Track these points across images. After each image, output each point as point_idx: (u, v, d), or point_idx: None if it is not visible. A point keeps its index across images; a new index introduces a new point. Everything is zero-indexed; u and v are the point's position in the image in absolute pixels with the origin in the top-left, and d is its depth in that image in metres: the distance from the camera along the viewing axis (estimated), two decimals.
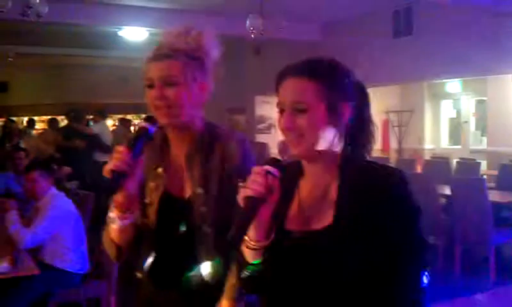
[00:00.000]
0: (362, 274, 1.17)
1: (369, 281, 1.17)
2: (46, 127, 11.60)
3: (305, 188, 1.32)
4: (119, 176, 1.44)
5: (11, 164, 5.68)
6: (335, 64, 1.37)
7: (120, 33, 8.62)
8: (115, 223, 1.54)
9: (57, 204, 3.76)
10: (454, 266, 5.50)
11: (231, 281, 1.59)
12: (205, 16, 7.95)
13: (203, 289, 1.62)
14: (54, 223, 3.69)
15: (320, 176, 1.29)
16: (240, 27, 6.73)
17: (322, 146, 1.24)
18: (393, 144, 11.95)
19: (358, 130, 1.32)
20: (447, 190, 6.19)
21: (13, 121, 11.25)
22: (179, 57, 1.54)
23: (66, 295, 3.80)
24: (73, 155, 7.64)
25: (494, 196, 5.81)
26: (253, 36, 6.86)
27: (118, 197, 1.50)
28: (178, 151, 1.65)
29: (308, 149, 1.25)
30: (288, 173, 1.30)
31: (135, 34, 8.71)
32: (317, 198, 1.28)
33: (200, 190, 1.60)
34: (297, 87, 1.29)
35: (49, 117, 12.12)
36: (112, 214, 1.54)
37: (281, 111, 1.28)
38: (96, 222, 4.32)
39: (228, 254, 1.61)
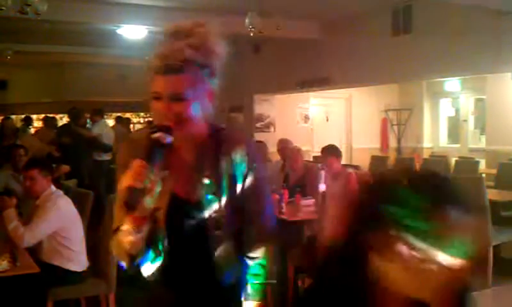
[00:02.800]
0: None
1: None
2: (42, 125, 11.60)
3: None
4: (138, 193, 1.37)
5: (10, 161, 5.67)
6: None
7: (119, 31, 8.60)
8: (130, 236, 1.47)
9: (55, 202, 3.76)
10: None
11: (249, 280, 1.62)
12: (204, 14, 7.92)
13: (217, 291, 1.63)
14: (52, 221, 3.69)
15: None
16: (239, 25, 6.71)
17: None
18: (392, 143, 11.96)
19: None
20: None
21: (8, 118, 11.21)
22: (188, 70, 1.45)
23: (65, 293, 3.80)
24: (73, 154, 7.64)
25: (493, 194, 5.82)
26: (252, 34, 6.85)
27: (136, 213, 1.41)
28: (185, 155, 1.62)
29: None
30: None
31: (134, 32, 8.68)
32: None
33: (210, 196, 1.59)
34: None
35: (44, 115, 12.13)
36: (127, 228, 1.46)
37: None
38: (95, 221, 4.34)
39: (243, 257, 1.63)
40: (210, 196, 1.59)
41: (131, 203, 1.37)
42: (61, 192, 3.92)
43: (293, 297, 4.58)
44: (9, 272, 3.19)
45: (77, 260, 3.81)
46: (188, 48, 1.45)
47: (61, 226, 3.73)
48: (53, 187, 3.89)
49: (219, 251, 1.61)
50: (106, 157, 8.85)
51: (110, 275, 3.83)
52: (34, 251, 3.69)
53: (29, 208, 4.02)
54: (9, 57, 10.74)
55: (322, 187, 4.91)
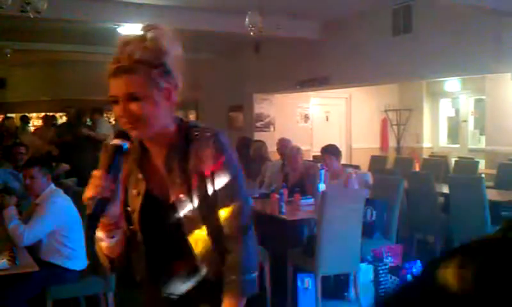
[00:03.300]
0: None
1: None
2: (42, 124, 11.59)
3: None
4: (101, 203, 1.43)
5: (10, 159, 5.67)
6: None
7: (119, 29, 8.59)
8: (104, 241, 1.55)
9: (55, 201, 3.76)
10: None
11: (229, 278, 1.60)
12: (203, 14, 7.94)
13: (201, 289, 1.63)
14: (52, 220, 3.69)
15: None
16: (239, 24, 6.71)
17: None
18: (392, 143, 11.96)
19: None
20: (445, 189, 6.20)
21: (8, 117, 11.21)
22: (139, 69, 1.48)
23: (64, 292, 3.80)
24: (73, 152, 7.63)
25: (492, 195, 5.82)
26: (252, 33, 6.85)
27: (103, 220, 1.50)
28: (157, 156, 1.63)
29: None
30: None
31: (134, 30, 8.67)
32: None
33: (182, 196, 1.59)
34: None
35: (44, 114, 12.12)
36: (99, 234, 1.54)
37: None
38: None
39: (222, 252, 1.63)
40: (182, 196, 1.59)
41: (94, 214, 1.44)
42: (60, 191, 3.92)
43: (292, 297, 4.59)
44: (9, 270, 3.19)
45: (77, 259, 3.81)
46: (138, 50, 1.49)
47: (61, 224, 3.73)
48: (53, 186, 3.89)
49: (201, 252, 1.61)
50: None
51: (109, 274, 3.83)
52: (34, 249, 3.69)
53: (28, 207, 4.02)
54: (8, 56, 10.74)
55: (321, 187, 4.91)
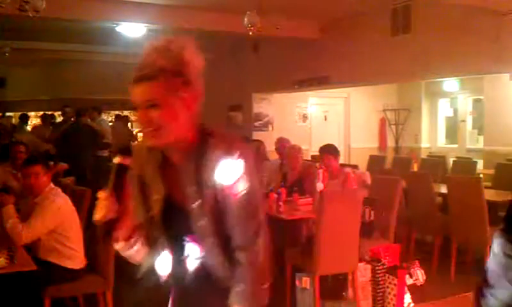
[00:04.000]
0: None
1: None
2: (40, 123, 11.60)
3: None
4: (110, 223, 1.49)
5: (8, 158, 5.67)
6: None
7: (118, 29, 8.58)
8: (125, 251, 1.62)
9: (54, 200, 3.76)
10: (449, 264, 5.52)
11: (238, 288, 1.61)
12: (202, 13, 7.93)
13: (211, 294, 1.67)
14: (50, 219, 3.69)
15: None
16: (238, 24, 6.71)
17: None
18: (390, 143, 11.98)
19: None
20: (443, 189, 6.20)
21: (4, 116, 11.21)
22: (160, 77, 1.51)
23: (62, 291, 3.80)
24: (73, 151, 7.63)
25: (490, 195, 5.83)
26: (251, 33, 6.84)
27: (117, 234, 1.55)
28: (175, 161, 1.65)
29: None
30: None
31: (133, 30, 8.67)
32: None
33: (196, 204, 1.60)
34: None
35: (42, 112, 12.12)
36: (118, 246, 1.60)
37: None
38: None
39: (233, 259, 1.63)
40: (195, 204, 1.60)
41: (106, 235, 1.50)
42: (59, 190, 3.92)
43: (291, 297, 4.59)
44: (7, 269, 3.19)
45: (75, 258, 3.81)
46: (160, 59, 1.52)
47: (59, 223, 3.73)
48: (52, 185, 3.89)
49: (213, 260, 1.64)
50: (105, 152, 8.87)
51: (107, 273, 3.84)
52: (32, 248, 3.69)
53: (27, 206, 4.02)
54: (7, 55, 10.73)
55: (320, 186, 4.91)
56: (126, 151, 1.55)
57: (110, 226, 1.50)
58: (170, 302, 1.83)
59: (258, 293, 1.62)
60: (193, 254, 1.67)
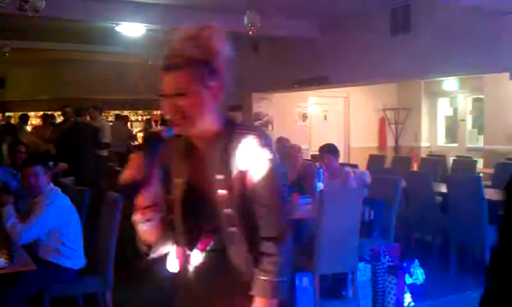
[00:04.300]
0: None
1: None
2: (40, 123, 11.59)
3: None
4: (135, 185, 1.47)
5: (9, 157, 5.67)
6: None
7: (117, 29, 8.59)
8: (140, 225, 1.59)
9: (54, 199, 3.76)
10: (449, 264, 5.52)
11: (263, 278, 1.60)
12: (202, 13, 7.93)
13: (232, 283, 1.64)
14: (50, 219, 3.69)
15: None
16: (238, 24, 6.71)
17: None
18: (390, 142, 11.97)
19: None
20: (443, 188, 6.20)
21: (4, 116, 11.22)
22: (189, 66, 1.53)
23: (62, 291, 3.80)
24: (73, 151, 7.62)
25: (490, 194, 5.82)
26: (251, 33, 6.85)
27: (138, 202, 1.53)
28: (201, 150, 1.66)
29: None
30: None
31: (132, 29, 8.68)
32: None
33: (223, 192, 1.60)
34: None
35: (42, 113, 12.11)
36: (136, 217, 1.57)
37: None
38: (93, 218, 4.34)
39: (256, 251, 1.62)
40: (222, 192, 1.60)
41: (127, 194, 1.47)
42: (58, 190, 3.92)
43: (290, 296, 4.59)
44: (7, 269, 3.18)
45: (75, 258, 3.81)
46: (189, 47, 1.53)
47: (59, 223, 3.73)
48: (51, 184, 3.89)
49: (235, 250, 1.62)
50: (104, 152, 8.86)
51: (107, 273, 3.84)
52: (32, 248, 3.69)
53: (26, 205, 4.02)
54: (7, 55, 10.73)
55: (320, 186, 4.91)
56: (167, 124, 1.56)
57: (133, 189, 1.48)
58: (178, 299, 1.79)
59: (282, 285, 1.61)
60: (212, 245, 1.65)
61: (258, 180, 1.59)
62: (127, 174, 1.47)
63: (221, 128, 1.63)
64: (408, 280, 4.38)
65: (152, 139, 1.54)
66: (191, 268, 1.69)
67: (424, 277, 4.46)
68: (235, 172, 1.59)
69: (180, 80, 1.53)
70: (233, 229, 1.60)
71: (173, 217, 1.67)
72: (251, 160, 1.58)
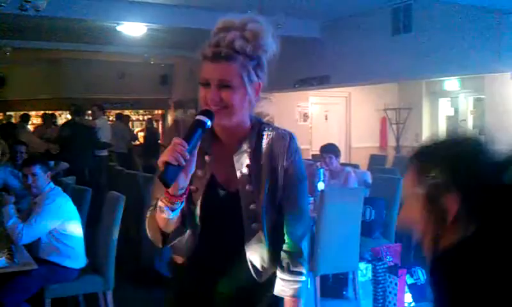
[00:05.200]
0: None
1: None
2: (41, 122, 11.59)
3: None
4: (174, 170, 1.37)
5: (10, 157, 5.67)
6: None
7: (119, 28, 8.59)
8: (164, 213, 1.47)
9: (55, 199, 3.76)
10: None
11: (285, 277, 1.63)
12: (203, 12, 7.93)
13: (250, 285, 1.64)
14: (51, 218, 3.69)
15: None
16: None
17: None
18: (391, 142, 11.96)
19: None
20: None
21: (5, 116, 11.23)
22: (238, 59, 1.51)
23: (63, 290, 3.80)
24: (74, 150, 7.62)
25: None
26: None
27: (170, 190, 1.42)
28: (228, 143, 1.64)
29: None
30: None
31: (134, 29, 8.68)
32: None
33: (249, 188, 1.60)
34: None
35: (43, 112, 12.12)
36: (162, 204, 1.45)
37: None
38: (94, 218, 4.34)
39: (277, 250, 1.64)
40: (248, 188, 1.60)
41: (165, 179, 1.36)
42: (59, 189, 3.92)
43: None
44: (8, 268, 3.19)
45: (76, 257, 3.81)
46: (239, 39, 1.51)
47: (60, 223, 3.73)
48: (52, 184, 3.89)
49: (254, 247, 1.61)
50: (104, 152, 8.86)
51: (108, 273, 3.83)
52: (33, 247, 3.69)
53: (27, 205, 4.02)
54: (8, 54, 10.73)
55: (321, 186, 4.91)
56: (209, 113, 1.48)
57: (172, 173, 1.36)
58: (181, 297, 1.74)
59: (304, 284, 1.66)
60: (230, 242, 1.62)
61: (285, 179, 1.62)
62: (167, 157, 1.36)
63: (251, 126, 1.65)
64: (409, 280, 4.37)
65: (195, 126, 1.45)
66: (204, 263, 1.65)
67: (425, 277, 4.45)
68: (264, 169, 1.61)
69: (229, 71, 1.50)
70: (255, 225, 1.60)
71: (191, 207, 1.60)
72: (281, 158, 1.62)
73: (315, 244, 4.25)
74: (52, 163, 5.66)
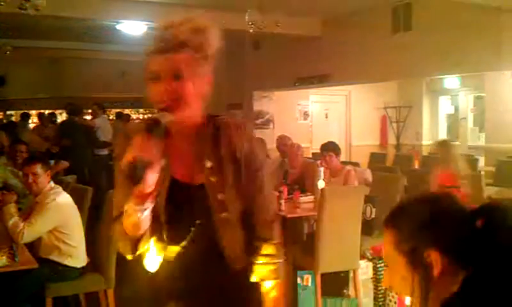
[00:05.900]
0: None
1: None
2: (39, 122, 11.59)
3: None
4: (141, 167, 1.33)
5: (10, 156, 5.67)
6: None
7: (118, 27, 8.59)
8: (134, 216, 1.42)
9: (55, 198, 3.76)
10: None
11: (273, 262, 1.68)
12: (203, 11, 7.93)
13: (227, 275, 1.64)
14: (52, 217, 3.69)
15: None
16: (239, 22, 6.71)
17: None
18: (391, 140, 11.97)
19: None
20: None
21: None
22: (186, 50, 1.51)
23: (63, 289, 3.80)
24: (73, 150, 7.62)
25: (491, 192, 5.83)
26: (252, 31, 6.84)
27: (140, 188, 1.37)
28: (183, 140, 1.64)
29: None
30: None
31: (133, 28, 8.67)
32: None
33: (214, 179, 1.61)
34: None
35: (42, 111, 12.12)
36: (132, 206, 1.41)
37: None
38: (94, 217, 4.34)
39: (250, 236, 1.66)
40: (213, 179, 1.61)
41: (136, 176, 1.33)
42: (60, 188, 3.92)
43: (292, 295, 4.59)
44: (8, 267, 3.19)
45: (76, 256, 3.81)
46: (184, 32, 1.52)
47: (61, 222, 3.73)
48: (52, 183, 3.89)
49: (226, 236, 1.62)
50: (104, 151, 8.86)
51: (109, 271, 3.84)
52: (33, 246, 3.69)
53: (28, 204, 4.02)
54: (8, 53, 10.72)
55: (321, 184, 4.91)
56: (167, 110, 1.48)
57: (140, 172, 1.32)
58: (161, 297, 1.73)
59: (281, 267, 1.70)
60: (201, 235, 1.62)
61: (247, 166, 1.63)
62: (134, 155, 1.33)
63: (204, 120, 1.64)
64: None
65: (154, 124, 1.43)
66: (176, 263, 1.63)
67: None
68: (225, 159, 1.62)
69: (178, 62, 1.49)
70: (225, 215, 1.61)
71: (157, 212, 1.55)
72: (240, 146, 1.62)
73: (316, 242, 4.25)
74: (52, 162, 5.66)
